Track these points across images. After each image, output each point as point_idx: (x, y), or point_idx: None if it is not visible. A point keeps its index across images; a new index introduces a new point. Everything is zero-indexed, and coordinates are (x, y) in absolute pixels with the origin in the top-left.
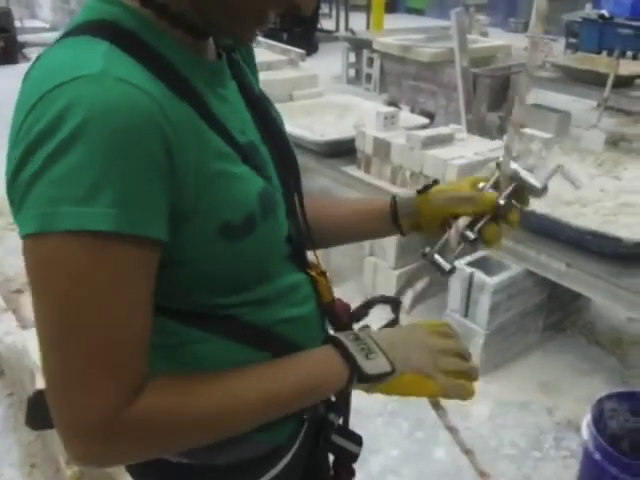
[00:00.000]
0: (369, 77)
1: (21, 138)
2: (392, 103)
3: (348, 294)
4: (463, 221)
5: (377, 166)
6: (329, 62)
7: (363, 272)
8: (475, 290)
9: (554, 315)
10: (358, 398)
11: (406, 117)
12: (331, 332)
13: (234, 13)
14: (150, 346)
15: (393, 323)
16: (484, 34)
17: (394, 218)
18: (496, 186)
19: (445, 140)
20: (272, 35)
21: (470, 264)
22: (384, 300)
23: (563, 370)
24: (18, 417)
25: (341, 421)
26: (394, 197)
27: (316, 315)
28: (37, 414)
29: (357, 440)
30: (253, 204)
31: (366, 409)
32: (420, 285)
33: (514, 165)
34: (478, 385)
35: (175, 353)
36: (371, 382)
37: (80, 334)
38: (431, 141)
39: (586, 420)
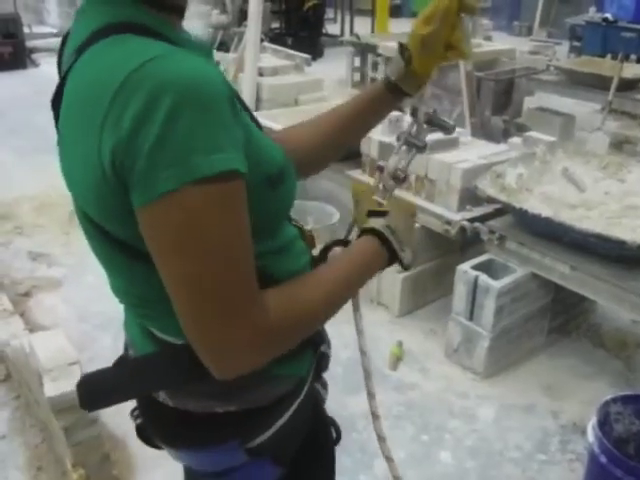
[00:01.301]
0: (374, 81)
1: (116, 119)
2: (397, 107)
3: None
4: (393, 164)
5: None
6: (334, 66)
7: None
8: (480, 293)
9: (559, 318)
10: (364, 403)
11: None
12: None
13: None
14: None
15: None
16: (488, 38)
17: (396, 93)
18: None
19: (449, 144)
20: (277, 40)
21: (475, 267)
22: (338, 243)
23: (568, 373)
24: (25, 420)
25: None
26: (387, 81)
27: (310, 266)
28: (91, 395)
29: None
30: (279, 158)
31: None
32: (404, 161)
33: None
34: (482, 387)
35: None
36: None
37: (227, 265)
38: (435, 145)
39: (591, 423)
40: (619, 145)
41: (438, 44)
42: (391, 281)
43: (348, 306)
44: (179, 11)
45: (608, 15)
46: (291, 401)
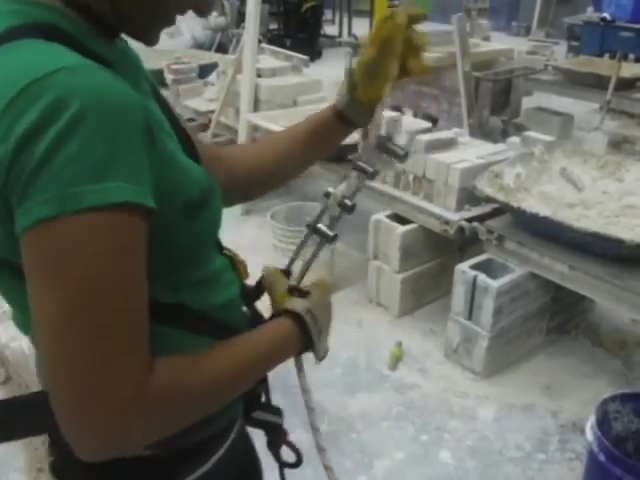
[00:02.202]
0: None
1: (4, 133)
2: (395, 107)
3: (353, 297)
4: (343, 190)
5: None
6: (332, 67)
7: (367, 276)
8: (479, 293)
9: (558, 317)
10: (363, 403)
11: (409, 121)
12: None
13: (152, 14)
14: None
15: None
16: (486, 38)
17: (342, 122)
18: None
19: (448, 144)
20: (276, 41)
21: (473, 267)
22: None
23: (567, 373)
24: None
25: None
26: (334, 110)
27: (239, 299)
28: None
29: (277, 411)
30: (204, 180)
31: (371, 413)
32: (308, 254)
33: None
34: (481, 387)
35: None
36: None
37: (102, 310)
38: (434, 145)
39: (590, 422)
40: (617, 144)
41: (382, 69)
42: (390, 282)
43: (352, 306)
44: (112, 27)
45: (606, 15)
46: (221, 441)
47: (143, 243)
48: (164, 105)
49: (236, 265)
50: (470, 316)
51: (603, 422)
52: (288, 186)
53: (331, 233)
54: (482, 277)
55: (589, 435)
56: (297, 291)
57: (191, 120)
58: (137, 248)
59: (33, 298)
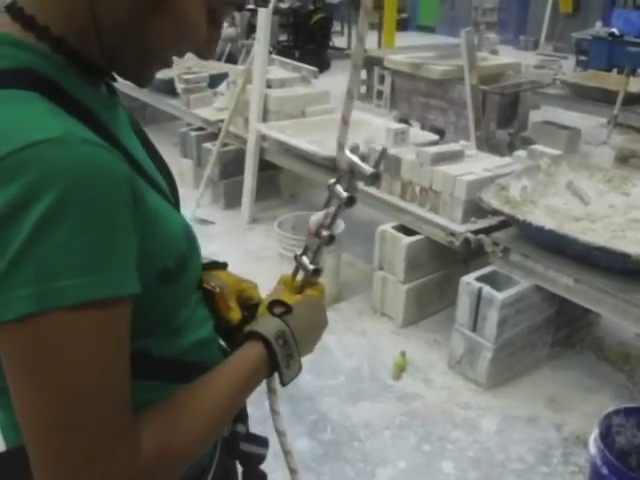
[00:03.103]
0: (380, 94)
1: None
2: (403, 120)
3: (358, 307)
4: (318, 221)
5: (387, 182)
6: (341, 79)
7: (372, 286)
8: (483, 305)
9: (563, 331)
10: (366, 412)
11: (416, 134)
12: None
13: (146, 57)
14: None
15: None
16: (494, 52)
17: None
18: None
19: (454, 156)
20: (285, 52)
21: (479, 279)
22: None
23: (571, 386)
24: None
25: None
26: None
27: (214, 335)
28: None
29: (262, 442)
30: (182, 243)
31: (374, 423)
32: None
33: (349, 155)
34: (485, 398)
35: None
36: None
37: (89, 406)
38: (440, 157)
39: (593, 435)
40: (625, 159)
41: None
42: (395, 292)
43: (356, 316)
44: (101, 71)
45: (614, 30)
46: None
47: (128, 327)
48: (146, 142)
49: (216, 300)
50: (475, 327)
51: (607, 436)
52: (296, 196)
53: (311, 267)
54: (487, 289)
55: (592, 448)
56: (280, 306)
57: (201, 129)
58: (123, 337)
59: (14, 393)
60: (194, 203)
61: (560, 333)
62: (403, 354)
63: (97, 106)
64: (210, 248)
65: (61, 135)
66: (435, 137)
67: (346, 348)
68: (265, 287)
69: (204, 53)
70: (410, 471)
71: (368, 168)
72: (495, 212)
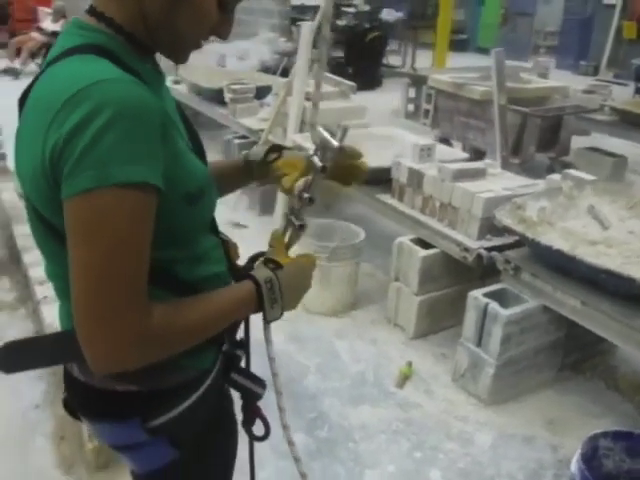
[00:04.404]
0: (427, 113)
1: (59, 125)
2: (443, 139)
3: (372, 316)
4: (300, 186)
5: (410, 195)
6: (391, 96)
7: (387, 296)
8: (489, 320)
9: (573, 355)
10: (365, 415)
11: (445, 151)
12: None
13: (178, 40)
14: None
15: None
16: (543, 75)
17: (250, 174)
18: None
19: (477, 174)
20: (338, 68)
21: (487, 295)
22: (261, 255)
23: (574, 410)
24: (57, 393)
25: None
26: (246, 160)
27: (227, 274)
28: (8, 359)
29: (258, 382)
30: (201, 179)
31: (371, 426)
32: (286, 239)
33: (323, 133)
34: (484, 414)
35: None
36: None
37: (122, 263)
38: (462, 174)
39: (577, 455)
40: None
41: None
42: (408, 303)
43: (370, 324)
44: (148, 48)
45: None
46: (193, 389)
47: (153, 214)
48: (183, 115)
49: (228, 247)
50: (479, 343)
51: (593, 458)
52: (329, 207)
53: (297, 223)
54: (493, 305)
55: (573, 468)
56: (273, 263)
57: (243, 137)
58: (149, 218)
59: (71, 251)
60: (231, 207)
61: (570, 357)
62: (409, 364)
63: (146, 76)
64: (240, 249)
65: (117, 77)
66: (464, 155)
67: (355, 354)
68: None
69: (221, 34)
70: (398, 476)
71: (335, 142)
72: (506, 229)
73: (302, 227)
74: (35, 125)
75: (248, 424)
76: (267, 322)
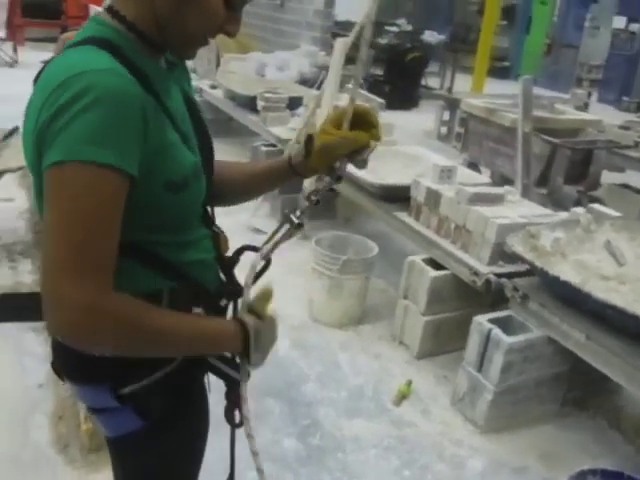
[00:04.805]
0: (459, 136)
1: (50, 105)
2: (472, 163)
3: (378, 332)
4: (308, 188)
5: (426, 215)
6: (426, 117)
7: (395, 313)
8: (491, 346)
9: (576, 391)
10: (358, 428)
11: (470, 175)
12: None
13: (187, 37)
14: None
15: (265, 269)
16: (580, 108)
17: (294, 172)
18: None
19: (494, 199)
20: (375, 86)
21: (492, 321)
22: (249, 248)
23: (573, 447)
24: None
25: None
26: (289, 162)
27: (214, 262)
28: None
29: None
30: (188, 170)
31: (363, 439)
32: (279, 235)
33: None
34: (479, 440)
35: None
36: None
37: (82, 230)
38: (479, 198)
39: None
40: None
41: (339, 151)
42: (414, 322)
43: (375, 340)
44: (158, 45)
45: None
46: (166, 362)
47: (117, 196)
48: (193, 110)
49: (219, 239)
50: (480, 368)
51: None
52: (350, 222)
53: (296, 221)
54: (496, 331)
55: None
56: (256, 314)
57: (272, 146)
58: (112, 199)
59: (44, 213)
60: (251, 212)
61: (573, 393)
62: (409, 383)
63: (151, 72)
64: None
65: (105, 68)
66: (486, 180)
67: (356, 367)
68: (296, 298)
69: (229, 32)
70: None
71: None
72: (516, 256)
73: (300, 226)
74: (35, 104)
75: (230, 412)
76: (252, 366)
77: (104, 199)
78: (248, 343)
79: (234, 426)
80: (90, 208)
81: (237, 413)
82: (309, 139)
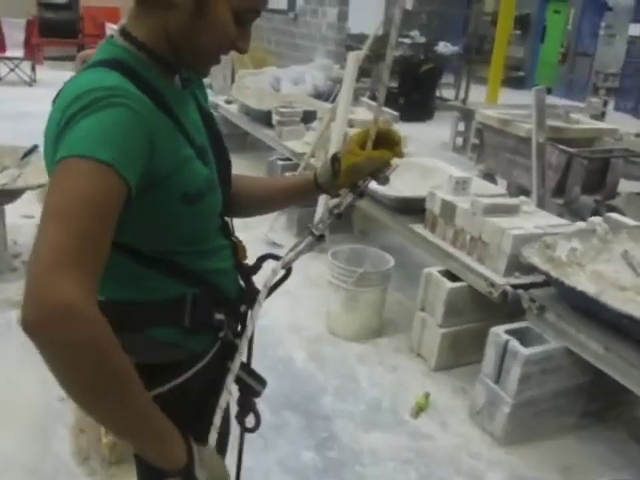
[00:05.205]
0: (475, 147)
1: (65, 115)
2: (488, 175)
3: (396, 344)
4: (332, 202)
5: (442, 227)
6: (441, 129)
7: (412, 325)
8: (508, 358)
9: (596, 402)
10: (376, 441)
11: (486, 187)
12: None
13: (199, 55)
14: (111, 276)
15: (285, 278)
16: (596, 117)
17: (320, 190)
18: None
19: (509, 210)
20: (389, 98)
21: (509, 332)
22: (271, 256)
23: (593, 460)
24: None
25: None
26: (315, 180)
27: (233, 270)
28: None
29: (260, 380)
30: (202, 183)
31: (380, 452)
32: (302, 245)
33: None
34: (497, 453)
35: (128, 283)
36: None
37: (73, 224)
38: (494, 209)
39: None
40: None
41: (364, 170)
42: (432, 334)
43: (392, 352)
44: (171, 65)
45: None
46: (182, 370)
47: (112, 197)
48: (210, 125)
49: (237, 248)
50: (498, 380)
51: None
52: (366, 234)
53: (317, 233)
54: (514, 343)
55: None
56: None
57: (287, 159)
58: (106, 195)
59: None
60: (268, 226)
61: (593, 404)
62: (427, 395)
63: (164, 89)
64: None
65: (111, 86)
66: (501, 191)
67: (374, 379)
68: (313, 311)
69: (240, 48)
70: None
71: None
72: (532, 267)
73: (322, 237)
74: (53, 122)
75: (241, 416)
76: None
77: (99, 194)
78: (192, 456)
79: (245, 430)
80: (85, 200)
81: (247, 420)
82: (334, 159)
